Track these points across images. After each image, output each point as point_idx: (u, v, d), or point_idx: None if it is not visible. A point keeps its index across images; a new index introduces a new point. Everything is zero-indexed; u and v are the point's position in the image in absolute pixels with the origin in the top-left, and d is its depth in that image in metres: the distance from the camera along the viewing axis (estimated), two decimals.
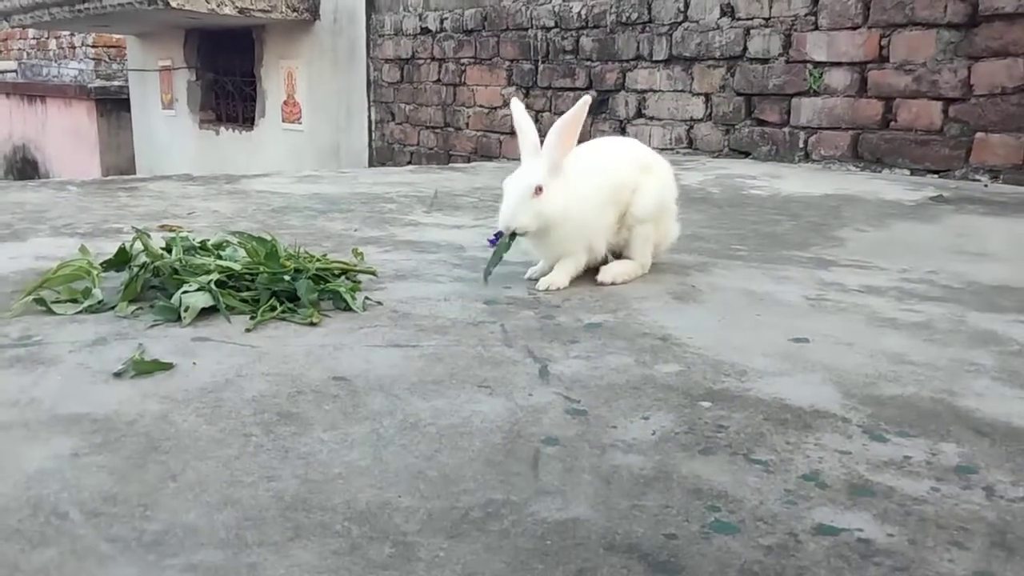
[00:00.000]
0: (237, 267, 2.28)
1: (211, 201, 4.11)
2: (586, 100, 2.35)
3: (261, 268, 2.28)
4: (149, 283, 2.28)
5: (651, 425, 1.52)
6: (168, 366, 1.76)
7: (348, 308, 2.21)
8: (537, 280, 2.50)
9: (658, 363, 1.86)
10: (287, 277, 2.25)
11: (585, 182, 2.45)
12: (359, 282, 2.44)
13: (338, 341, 1.97)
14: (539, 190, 2.34)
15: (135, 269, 2.28)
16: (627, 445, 1.43)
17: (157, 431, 1.46)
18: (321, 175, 5.40)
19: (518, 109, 2.49)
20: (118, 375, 1.72)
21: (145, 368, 1.74)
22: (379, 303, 2.29)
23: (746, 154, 6.18)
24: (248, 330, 2.02)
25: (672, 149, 6.60)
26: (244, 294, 2.22)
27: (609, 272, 2.54)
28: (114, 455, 1.36)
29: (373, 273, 2.56)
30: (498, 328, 2.10)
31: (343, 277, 2.42)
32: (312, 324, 2.08)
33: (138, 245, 2.40)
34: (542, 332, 2.07)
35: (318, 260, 2.48)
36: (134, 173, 13.50)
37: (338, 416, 1.54)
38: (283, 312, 2.14)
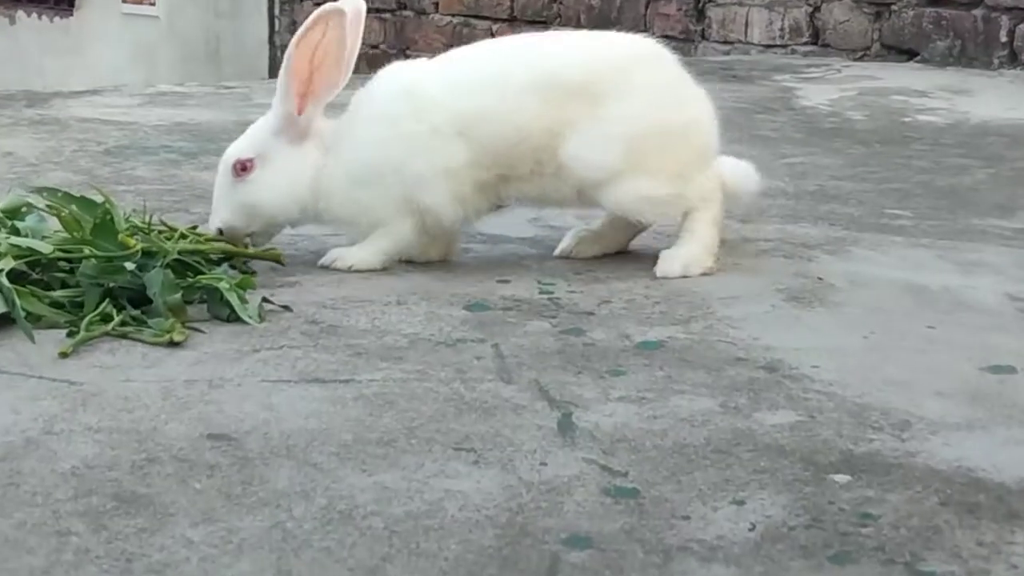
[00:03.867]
0: (45, 248, 2.27)
1: (2, 136, 4.08)
2: (322, 13, 2.39)
3: (86, 250, 2.27)
4: None
5: (748, 514, 1.51)
6: None
7: (235, 317, 2.20)
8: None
9: (760, 409, 1.85)
10: (130, 265, 2.24)
11: (390, 102, 2.52)
12: (253, 273, 2.44)
13: (217, 373, 1.96)
14: (241, 170, 2.48)
15: None
16: (708, 549, 1.42)
17: None
18: (189, 92, 5.39)
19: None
20: None
21: None
22: (286, 308, 2.28)
23: (910, 54, 6.17)
24: (64, 354, 2.01)
25: (785, 46, 6.59)
26: (58, 293, 2.21)
27: (676, 259, 2.54)
28: None
29: (277, 260, 2.56)
30: (489, 350, 2.09)
31: (225, 265, 2.42)
32: (173, 343, 2.07)
33: None
34: (563, 357, 2.07)
35: (183, 236, 2.47)
36: None
37: (217, 500, 1.52)
38: (124, 324, 2.14)
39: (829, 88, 5.34)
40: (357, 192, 2.50)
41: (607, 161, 2.48)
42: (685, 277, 2.52)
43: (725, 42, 6.84)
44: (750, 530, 1.47)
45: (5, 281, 2.14)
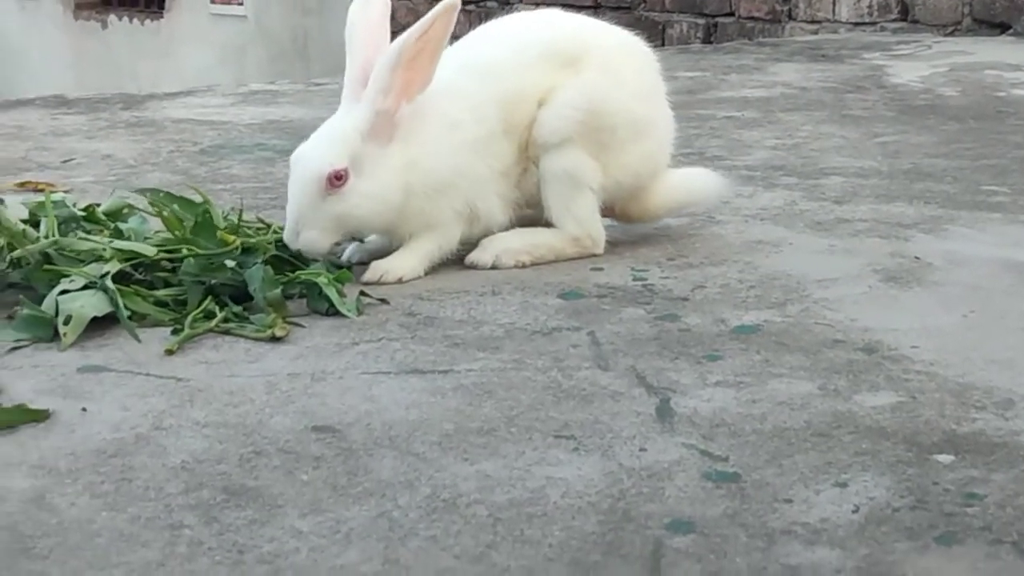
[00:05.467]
0: (148, 250, 2.31)
1: (100, 139, 4.16)
2: (451, 3, 2.31)
3: (187, 249, 2.31)
4: (5, 279, 2.33)
5: (851, 497, 1.51)
6: (42, 415, 1.80)
7: (334, 310, 2.23)
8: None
9: (860, 391, 1.85)
10: (231, 262, 2.28)
11: (449, 105, 2.44)
12: (349, 267, 2.46)
13: (319, 367, 1.99)
14: (336, 180, 2.33)
15: None
16: (812, 532, 1.43)
17: (28, 523, 1.49)
18: (280, 90, 5.45)
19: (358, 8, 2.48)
20: None
21: (4, 419, 1.78)
22: (384, 301, 2.31)
23: (1002, 28, 6.07)
24: (170, 351, 2.06)
25: (874, 23, 6.52)
26: (161, 292, 2.25)
27: (489, 249, 2.50)
28: None
29: None
30: (585, 338, 2.11)
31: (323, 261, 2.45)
32: (275, 339, 2.11)
33: None
34: (660, 343, 2.07)
35: (279, 233, 2.50)
36: None
37: (323, 491, 1.55)
38: (227, 321, 2.17)
39: (920, 65, 5.28)
40: (431, 202, 2.44)
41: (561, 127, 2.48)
42: (497, 267, 2.49)
43: (813, 21, 6.77)
44: (854, 512, 1.47)
45: (110, 283, 2.19)
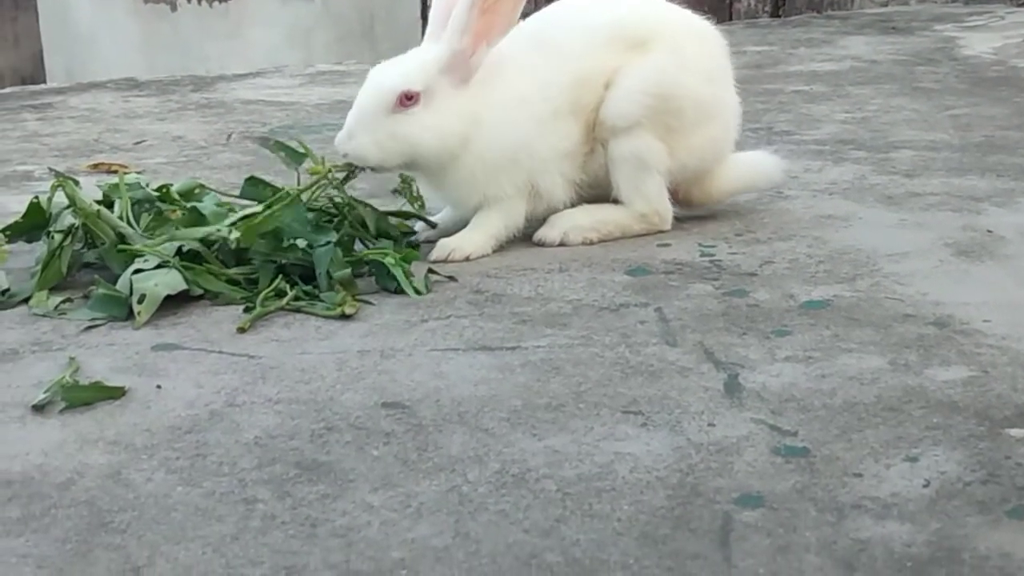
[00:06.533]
0: (208, 230, 2.32)
1: (171, 121, 4.21)
2: None
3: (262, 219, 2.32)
4: (81, 259, 2.37)
5: (922, 471, 1.51)
6: (118, 392, 1.83)
7: (402, 289, 2.25)
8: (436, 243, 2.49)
9: (931, 366, 1.84)
10: (301, 243, 2.30)
11: (518, 80, 2.45)
12: (417, 246, 2.48)
13: (388, 344, 2.01)
14: (406, 100, 2.36)
15: (57, 237, 2.36)
16: (882, 506, 1.43)
17: (106, 497, 1.52)
18: (347, 70, 5.49)
19: None
20: (39, 408, 1.79)
21: (81, 396, 1.81)
22: (451, 278, 2.33)
23: None
24: (242, 329, 2.08)
25: None
26: (233, 271, 2.28)
27: (557, 226, 2.52)
28: (41, 537, 1.43)
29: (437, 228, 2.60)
30: (652, 314, 2.11)
31: (389, 238, 2.47)
32: (345, 316, 2.13)
33: (60, 198, 2.48)
34: (727, 319, 2.07)
35: (351, 207, 2.51)
36: (43, 80, 13.77)
37: (394, 466, 1.57)
38: (297, 299, 2.20)
39: (992, 36, 5.21)
40: (491, 176, 2.45)
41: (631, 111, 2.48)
42: (564, 244, 2.51)
43: None
44: (924, 486, 1.47)
45: (200, 259, 2.23)
